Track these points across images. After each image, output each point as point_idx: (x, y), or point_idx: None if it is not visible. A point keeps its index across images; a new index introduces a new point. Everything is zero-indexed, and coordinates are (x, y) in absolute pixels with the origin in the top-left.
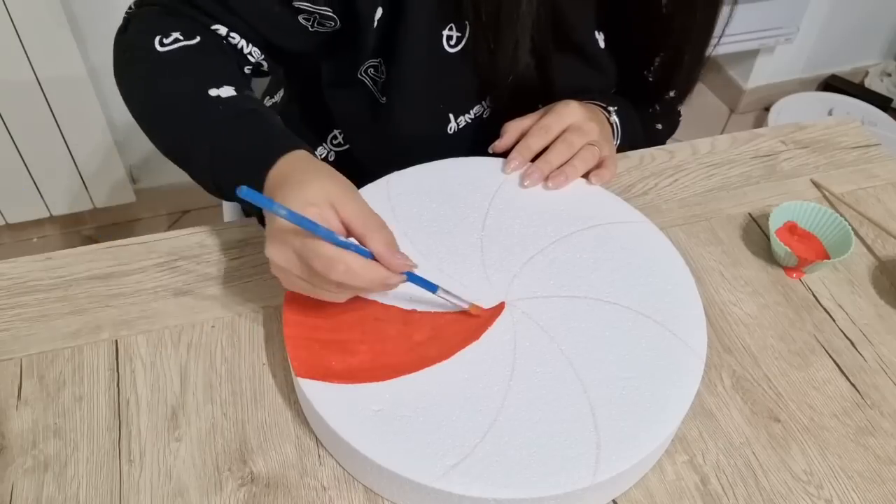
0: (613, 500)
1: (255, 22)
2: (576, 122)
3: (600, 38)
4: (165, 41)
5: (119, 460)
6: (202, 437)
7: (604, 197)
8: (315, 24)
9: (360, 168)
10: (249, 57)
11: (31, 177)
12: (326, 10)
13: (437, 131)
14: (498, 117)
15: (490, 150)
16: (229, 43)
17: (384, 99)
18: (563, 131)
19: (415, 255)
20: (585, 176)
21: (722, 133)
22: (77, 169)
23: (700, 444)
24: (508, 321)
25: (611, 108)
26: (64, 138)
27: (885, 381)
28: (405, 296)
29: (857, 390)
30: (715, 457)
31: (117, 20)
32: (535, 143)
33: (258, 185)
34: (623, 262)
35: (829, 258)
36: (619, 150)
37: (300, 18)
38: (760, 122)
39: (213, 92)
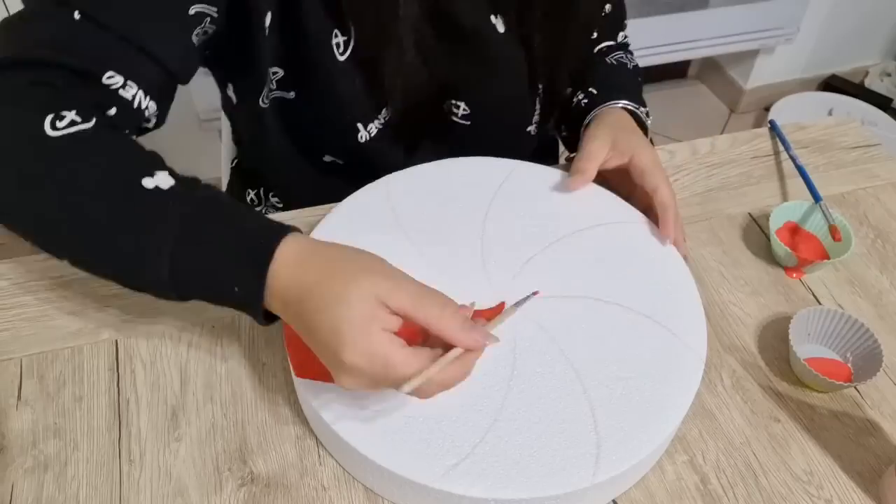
0: (613, 501)
1: (167, 45)
2: (660, 163)
3: (499, 22)
4: (59, 123)
5: (119, 460)
6: (202, 437)
7: (604, 197)
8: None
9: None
10: (143, 113)
11: None
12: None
13: (348, 142)
14: (409, 117)
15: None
16: (121, 101)
17: (293, 120)
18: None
19: (415, 255)
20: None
21: (722, 133)
22: None
23: (700, 444)
24: (508, 321)
25: (643, 110)
26: None
27: (885, 381)
28: None
29: (857, 390)
30: (715, 457)
31: None
32: (675, 206)
33: (254, 290)
34: (623, 262)
35: (829, 258)
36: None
37: (194, 36)
38: (760, 122)
39: (148, 183)
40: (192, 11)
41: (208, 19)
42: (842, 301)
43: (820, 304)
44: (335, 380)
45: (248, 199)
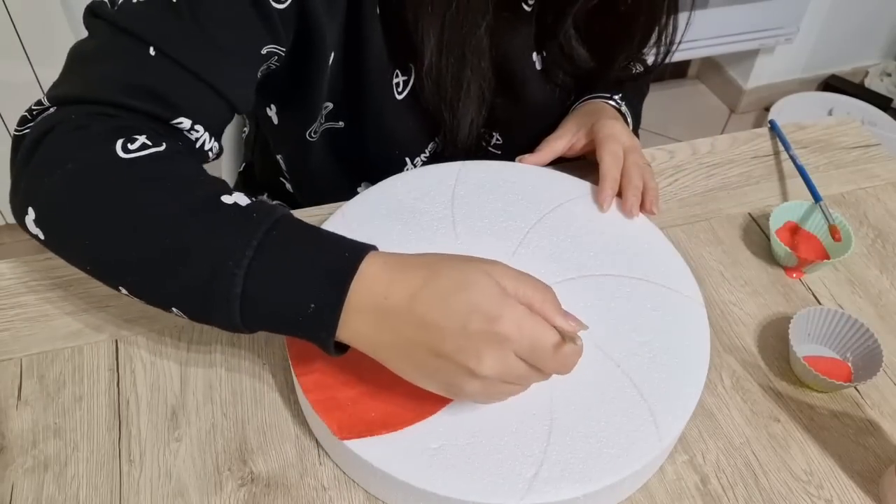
0: None
1: (239, 84)
2: (621, 136)
3: (538, 60)
4: (131, 146)
5: (119, 460)
6: (202, 437)
7: (556, 178)
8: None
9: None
10: (207, 154)
11: None
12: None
13: (392, 174)
14: (451, 150)
15: (517, 161)
16: (187, 140)
17: (340, 150)
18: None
19: None
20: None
21: (722, 133)
22: None
23: (700, 444)
24: None
25: (616, 98)
26: None
27: (885, 381)
28: None
29: (857, 390)
30: (715, 457)
31: None
32: (616, 173)
33: (334, 304)
34: (595, 235)
35: (829, 258)
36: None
37: (259, 72)
38: (760, 122)
39: (227, 199)
40: (263, 51)
41: (275, 57)
42: (842, 301)
43: (820, 304)
44: (473, 371)
45: None
